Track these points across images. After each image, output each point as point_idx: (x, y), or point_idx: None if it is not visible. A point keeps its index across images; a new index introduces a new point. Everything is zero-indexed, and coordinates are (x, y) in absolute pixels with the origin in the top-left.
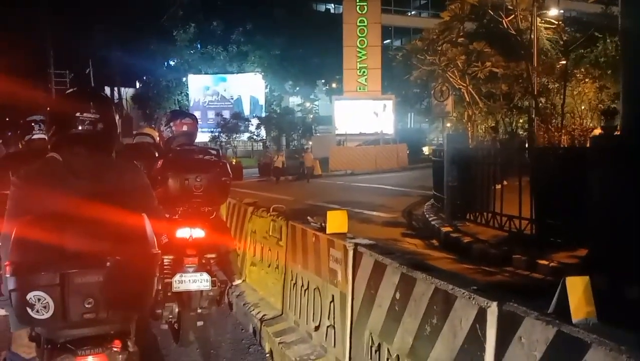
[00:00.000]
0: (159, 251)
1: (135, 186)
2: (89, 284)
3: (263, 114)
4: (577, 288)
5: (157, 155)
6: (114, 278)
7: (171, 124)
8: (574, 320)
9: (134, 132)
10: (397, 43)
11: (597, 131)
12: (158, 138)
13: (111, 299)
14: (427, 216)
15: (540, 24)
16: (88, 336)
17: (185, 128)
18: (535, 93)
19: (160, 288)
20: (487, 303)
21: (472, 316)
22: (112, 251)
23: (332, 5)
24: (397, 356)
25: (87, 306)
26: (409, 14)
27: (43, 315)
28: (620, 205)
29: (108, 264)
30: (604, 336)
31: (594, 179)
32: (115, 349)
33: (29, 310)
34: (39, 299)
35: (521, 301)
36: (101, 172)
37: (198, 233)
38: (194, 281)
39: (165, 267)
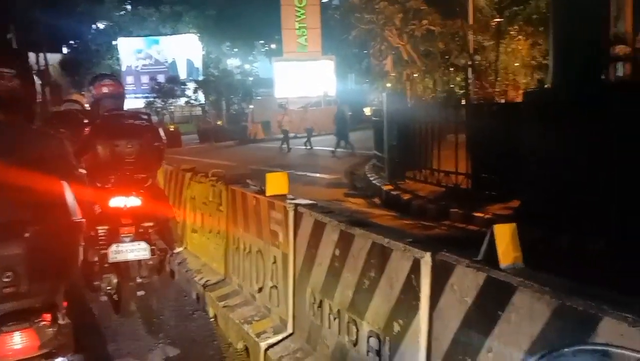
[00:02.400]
0: (82, 220)
1: (54, 154)
2: (8, 256)
3: (200, 78)
4: (504, 235)
5: (86, 122)
6: (34, 249)
7: (91, 87)
8: (502, 265)
9: (63, 99)
10: (336, 2)
11: None
12: (87, 105)
13: (32, 271)
14: (368, 175)
15: None
16: (12, 311)
17: (105, 90)
18: (471, 51)
19: (96, 259)
20: (420, 254)
21: (407, 267)
22: (31, 221)
23: None
24: (338, 311)
25: (5, 280)
26: None
27: None
28: (550, 158)
29: (27, 235)
30: (530, 279)
31: (525, 134)
32: (43, 323)
33: None
34: None
35: (455, 251)
36: (15, 141)
37: (133, 201)
38: (132, 250)
39: (100, 238)
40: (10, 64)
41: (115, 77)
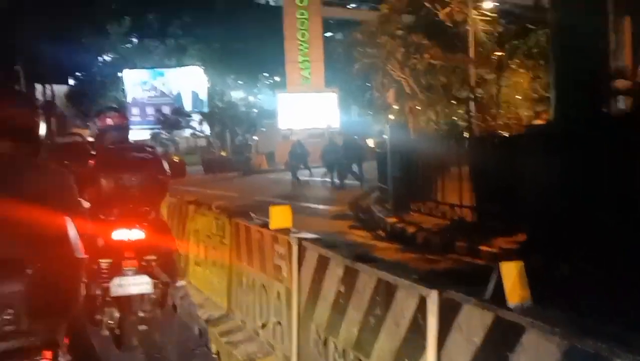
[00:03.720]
0: (85, 256)
1: (57, 188)
2: (8, 294)
3: (205, 109)
4: (511, 273)
5: (92, 153)
6: (35, 286)
7: (96, 119)
8: (510, 304)
9: (66, 133)
10: (339, 36)
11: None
12: (90, 137)
13: (33, 308)
14: (373, 207)
15: (475, 16)
16: (11, 349)
17: (109, 122)
18: (472, 84)
19: (98, 293)
20: (427, 292)
21: (414, 305)
22: (33, 258)
23: None
24: (343, 349)
25: (6, 318)
26: (350, 7)
27: None
28: (551, 190)
29: (29, 271)
30: (538, 319)
31: (528, 166)
32: None
33: None
34: None
35: (462, 288)
36: (17, 175)
37: (136, 234)
38: (134, 284)
39: (102, 271)
40: (18, 95)
41: (120, 109)
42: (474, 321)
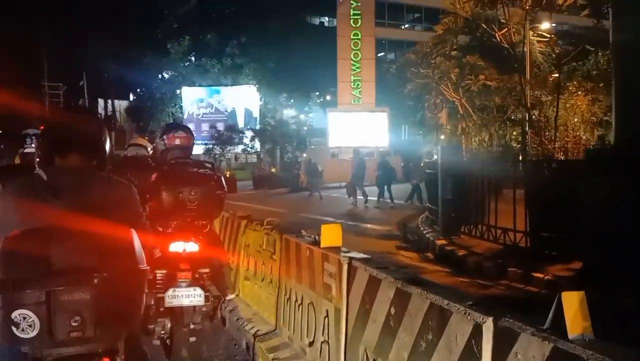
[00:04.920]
0: (148, 267)
1: (123, 200)
2: (76, 301)
3: (257, 127)
4: (572, 303)
5: (153, 166)
6: (101, 295)
7: (164, 137)
8: (570, 335)
9: (128, 143)
10: (391, 56)
11: None
12: (150, 149)
13: (99, 316)
14: (421, 228)
15: (532, 38)
16: (75, 354)
17: (177, 142)
18: (529, 106)
19: (152, 302)
20: (482, 319)
21: (468, 331)
22: (100, 268)
23: (327, 18)
24: None
25: (73, 324)
26: (403, 27)
27: (28, 333)
28: (614, 216)
29: (95, 281)
30: (601, 353)
31: (587, 191)
32: None
33: (14, 329)
34: (24, 318)
35: (517, 316)
36: (87, 188)
37: (191, 247)
38: (187, 296)
39: (158, 281)
40: (86, 111)
41: (189, 129)
42: (531, 352)
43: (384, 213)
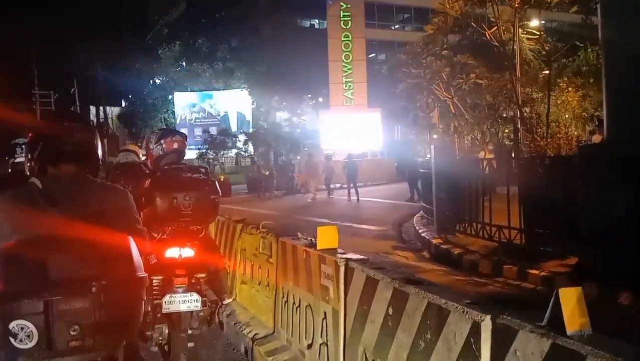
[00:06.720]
0: (146, 274)
1: (119, 207)
2: (75, 310)
3: (250, 130)
4: (570, 300)
5: (147, 172)
6: (100, 303)
7: (162, 141)
8: (569, 331)
9: (120, 149)
10: (382, 57)
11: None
12: (142, 155)
13: (98, 325)
14: (416, 228)
15: (522, 35)
16: None
17: (175, 146)
18: (520, 103)
19: (149, 309)
20: (480, 317)
21: (466, 330)
22: (98, 276)
23: (317, 20)
24: None
25: (72, 333)
26: (393, 28)
27: (27, 344)
28: (608, 212)
29: (94, 289)
30: (600, 348)
31: (581, 188)
32: None
33: (11, 340)
34: (22, 328)
35: (514, 313)
36: (82, 196)
37: (187, 252)
38: (184, 301)
39: (154, 288)
40: (79, 119)
41: (184, 134)
42: (530, 349)
43: (378, 212)
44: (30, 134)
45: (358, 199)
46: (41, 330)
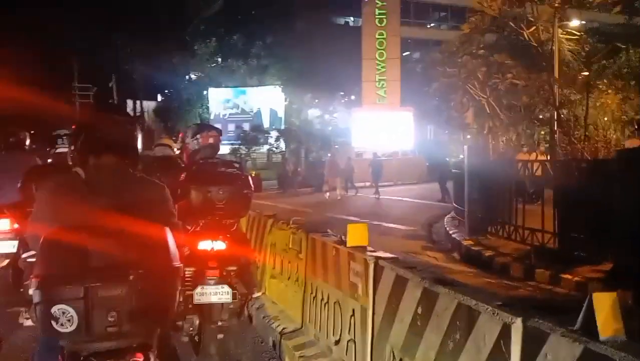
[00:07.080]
0: (182, 265)
1: (156, 200)
2: (113, 297)
3: (282, 127)
4: (604, 305)
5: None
6: (137, 291)
7: (198, 136)
8: (602, 337)
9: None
10: (416, 55)
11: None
12: (177, 149)
13: (134, 312)
14: (447, 229)
15: (561, 36)
16: (111, 349)
17: (211, 140)
18: (557, 105)
19: (181, 300)
20: (511, 319)
21: (496, 332)
22: (136, 265)
23: (352, 18)
24: None
25: (110, 319)
26: (428, 26)
27: (67, 328)
28: None
29: (131, 277)
30: (634, 355)
31: (618, 192)
32: None
33: (53, 323)
34: (63, 313)
35: (546, 317)
36: (123, 187)
37: (219, 245)
38: (215, 293)
39: (186, 279)
40: (122, 110)
41: (219, 129)
42: (561, 353)
43: (409, 212)
44: (74, 126)
45: (378, 197)
46: (81, 315)
